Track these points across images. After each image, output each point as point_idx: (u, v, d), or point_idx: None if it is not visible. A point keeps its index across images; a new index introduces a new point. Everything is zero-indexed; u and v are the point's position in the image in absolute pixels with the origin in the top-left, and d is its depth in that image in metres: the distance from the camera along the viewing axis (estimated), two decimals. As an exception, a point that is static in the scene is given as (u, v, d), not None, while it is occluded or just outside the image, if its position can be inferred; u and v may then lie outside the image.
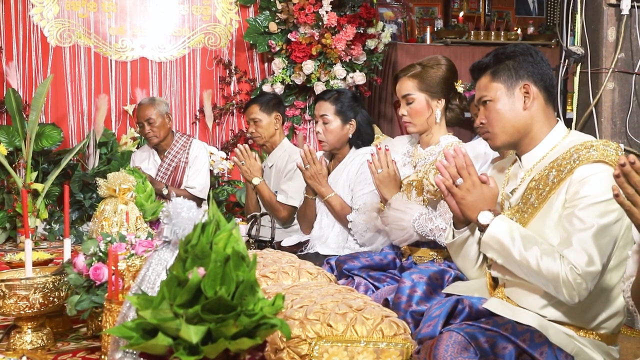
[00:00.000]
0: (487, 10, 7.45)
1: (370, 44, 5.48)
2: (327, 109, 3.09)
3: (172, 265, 1.16)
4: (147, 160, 4.48)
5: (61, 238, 4.52)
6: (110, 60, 5.60)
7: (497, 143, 1.93)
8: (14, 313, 2.29)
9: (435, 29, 7.05)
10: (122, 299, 2.03)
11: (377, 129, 5.06)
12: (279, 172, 3.63)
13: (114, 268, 2.07)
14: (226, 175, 5.38)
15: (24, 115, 4.97)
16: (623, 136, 3.58)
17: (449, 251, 2.09)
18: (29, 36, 5.43)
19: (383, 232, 2.71)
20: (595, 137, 1.96)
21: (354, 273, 2.51)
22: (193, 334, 1.06)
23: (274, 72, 5.55)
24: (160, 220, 1.58)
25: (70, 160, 4.95)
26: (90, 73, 5.55)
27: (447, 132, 2.63)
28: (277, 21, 5.48)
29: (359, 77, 5.43)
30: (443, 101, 2.58)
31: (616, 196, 1.31)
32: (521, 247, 1.73)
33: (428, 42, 6.78)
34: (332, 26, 5.30)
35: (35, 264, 2.79)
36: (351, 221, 2.92)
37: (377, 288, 2.40)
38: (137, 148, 5.12)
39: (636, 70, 3.59)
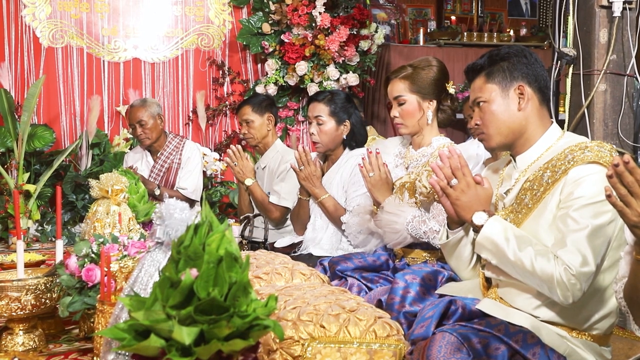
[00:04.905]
0: (480, 12, 7.48)
1: (364, 45, 5.49)
2: (321, 110, 3.09)
3: (165, 267, 1.16)
4: (140, 162, 4.47)
5: (53, 239, 4.50)
6: (103, 61, 5.59)
7: (492, 144, 1.93)
8: (5, 314, 2.28)
9: (428, 30, 7.07)
10: (114, 301, 2.02)
11: (373, 130, 5.07)
12: (272, 173, 3.62)
13: (106, 269, 2.06)
14: (219, 176, 5.37)
15: (16, 116, 4.95)
16: (615, 137, 3.60)
17: (442, 252, 2.09)
18: (21, 37, 5.41)
19: (376, 234, 2.71)
20: (588, 139, 1.97)
21: (347, 274, 2.51)
22: (186, 335, 1.05)
23: (267, 73, 5.55)
24: (153, 222, 1.58)
25: (63, 161, 4.93)
26: (82, 74, 5.54)
27: (439, 134, 2.64)
28: (270, 22, 5.48)
29: (352, 78, 5.43)
30: (434, 102, 2.58)
31: (608, 197, 1.31)
32: (515, 248, 1.73)
33: (421, 43, 6.80)
34: (326, 27, 5.30)
35: (27, 265, 2.78)
36: (345, 223, 2.92)
37: (370, 289, 2.40)
38: (130, 149, 5.11)
39: (628, 72, 3.60)
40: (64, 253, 2.47)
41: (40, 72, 5.38)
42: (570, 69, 3.72)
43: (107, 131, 5.51)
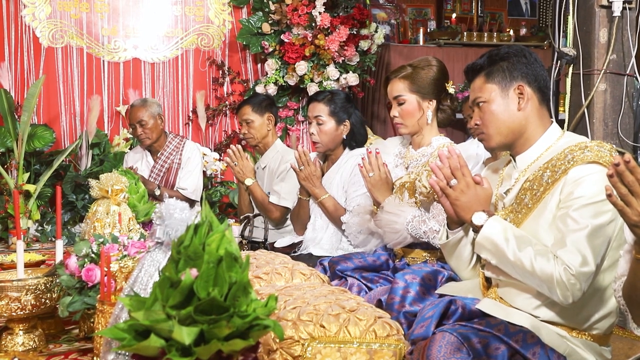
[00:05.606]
0: (479, 12, 7.48)
1: (363, 45, 5.49)
2: (321, 110, 3.09)
3: (165, 267, 1.16)
4: (140, 162, 4.47)
5: (53, 239, 4.50)
6: (103, 61, 5.58)
7: (492, 144, 1.93)
8: (5, 314, 2.28)
9: (428, 30, 7.06)
10: (114, 301, 2.02)
11: (368, 130, 5.06)
12: (272, 173, 3.62)
13: (106, 269, 2.06)
14: (219, 176, 5.37)
15: (16, 116, 4.95)
16: (615, 137, 3.60)
17: (442, 252, 2.10)
18: (21, 37, 5.41)
19: (377, 234, 2.71)
20: (588, 138, 1.97)
21: (347, 274, 2.51)
22: (186, 335, 1.05)
23: (267, 73, 5.55)
24: (153, 222, 1.58)
25: (63, 161, 4.93)
26: (82, 74, 5.53)
27: (439, 133, 2.64)
28: (270, 22, 5.48)
29: (352, 78, 5.43)
30: (434, 102, 2.59)
31: (609, 196, 1.31)
32: (515, 248, 1.73)
33: (421, 43, 6.80)
34: (325, 27, 5.30)
35: (27, 265, 2.78)
36: (345, 223, 2.92)
37: (370, 289, 2.40)
38: (130, 149, 5.11)
39: (627, 72, 3.60)
40: (64, 253, 2.46)
41: (40, 72, 5.37)
42: (570, 69, 3.72)
43: (107, 131, 5.51)
